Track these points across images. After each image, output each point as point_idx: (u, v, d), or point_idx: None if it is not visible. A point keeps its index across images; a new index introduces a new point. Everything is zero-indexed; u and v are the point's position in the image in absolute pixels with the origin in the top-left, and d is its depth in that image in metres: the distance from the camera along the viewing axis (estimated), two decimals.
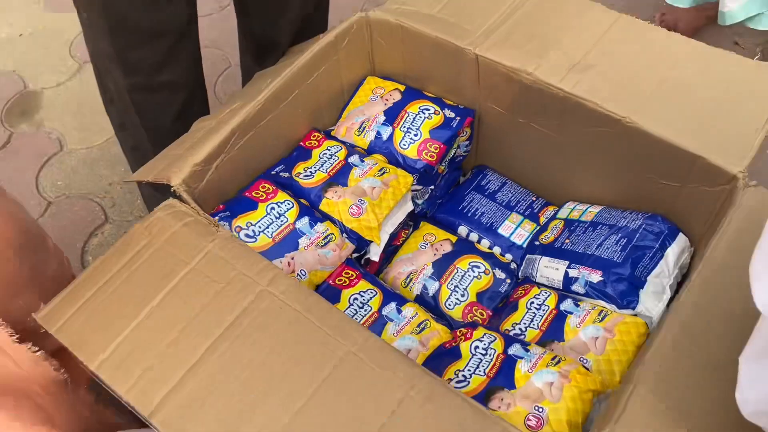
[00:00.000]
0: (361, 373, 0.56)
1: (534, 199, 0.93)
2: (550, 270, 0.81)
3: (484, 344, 0.68)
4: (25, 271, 0.66)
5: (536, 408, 0.61)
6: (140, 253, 0.66)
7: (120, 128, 1.02)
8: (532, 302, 0.77)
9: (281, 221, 0.77)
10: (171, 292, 0.63)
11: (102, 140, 1.35)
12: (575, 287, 0.77)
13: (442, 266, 0.85)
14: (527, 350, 0.66)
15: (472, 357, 0.67)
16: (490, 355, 0.67)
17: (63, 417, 0.70)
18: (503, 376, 0.64)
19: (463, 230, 0.90)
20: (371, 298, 0.75)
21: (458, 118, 0.87)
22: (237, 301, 0.62)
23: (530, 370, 0.64)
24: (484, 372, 0.65)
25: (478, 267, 0.84)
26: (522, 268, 0.86)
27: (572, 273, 0.78)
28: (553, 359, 0.65)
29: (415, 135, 0.86)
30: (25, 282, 0.66)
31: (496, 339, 0.68)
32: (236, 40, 1.12)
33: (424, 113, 0.87)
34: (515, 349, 0.67)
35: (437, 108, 0.88)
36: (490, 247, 0.89)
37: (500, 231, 0.89)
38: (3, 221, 0.64)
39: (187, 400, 0.57)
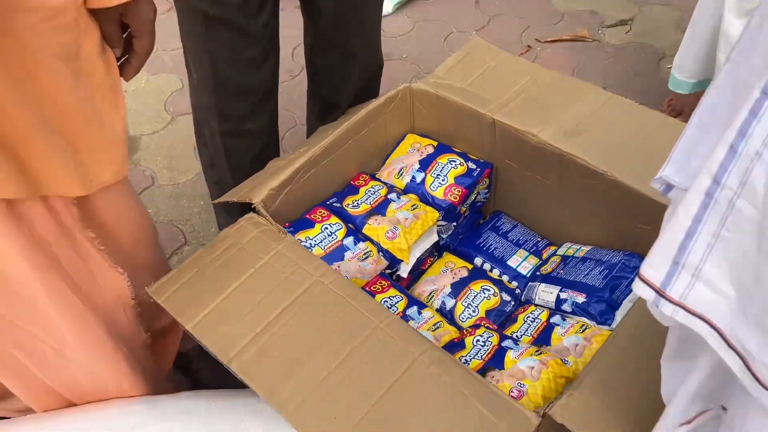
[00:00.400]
0: (385, 341, 0.76)
1: (539, 239, 1.12)
2: (545, 294, 0.99)
3: (484, 338, 0.86)
4: (150, 257, 0.89)
5: (519, 384, 0.78)
6: (228, 249, 0.88)
7: (209, 166, 1.27)
8: (529, 316, 0.95)
9: (332, 238, 0.98)
10: (249, 278, 0.84)
11: (186, 179, 1.61)
12: (564, 306, 0.95)
13: (458, 287, 1.04)
14: (517, 344, 0.84)
15: (474, 347, 0.85)
16: (487, 345, 0.85)
17: (147, 370, 0.92)
18: (496, 360, 0.82)
19: (478, 261, 1.10)
20: (398, 301, 0.95)
21: (478, 169, 1.08)
22: (297, 286, 0.82)
23: (517, 358, 0.82)
24: (481, 357, 0.83)
25: (488, 290, 1.03)
26: (524, 293, 1.04)
27: (563, 295, 0.96)
28: (536, 351, 0.83)
29: (443, 180, 1.07)
30: (148, 266, 0.89)
31: (493, 335, 0.87)
32: (302, 103, 1.37)
33: (451, 164, 1.09)
34: (507, 343, 0.85)
35: (462, 160, 1.09)
36: (499, 275, 1.07)
37: (509, 263, 1.08)
38: (148, 218, 0.87)
39: (257, 352, 0.77)
